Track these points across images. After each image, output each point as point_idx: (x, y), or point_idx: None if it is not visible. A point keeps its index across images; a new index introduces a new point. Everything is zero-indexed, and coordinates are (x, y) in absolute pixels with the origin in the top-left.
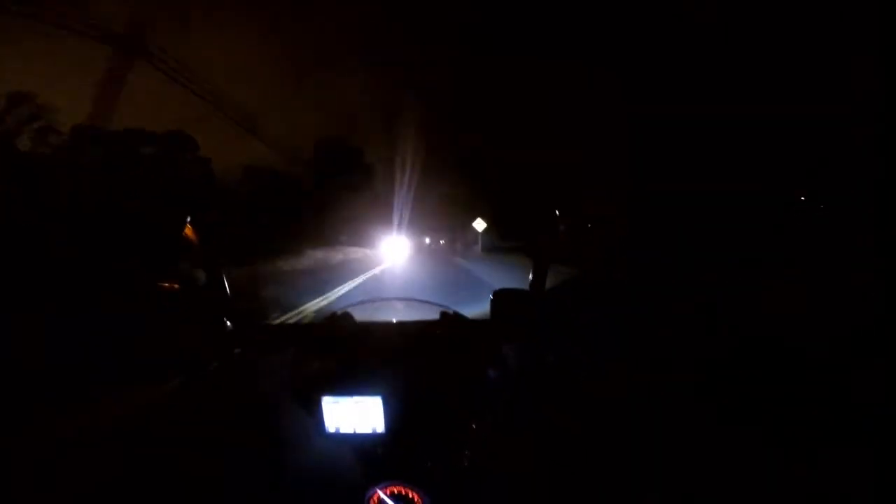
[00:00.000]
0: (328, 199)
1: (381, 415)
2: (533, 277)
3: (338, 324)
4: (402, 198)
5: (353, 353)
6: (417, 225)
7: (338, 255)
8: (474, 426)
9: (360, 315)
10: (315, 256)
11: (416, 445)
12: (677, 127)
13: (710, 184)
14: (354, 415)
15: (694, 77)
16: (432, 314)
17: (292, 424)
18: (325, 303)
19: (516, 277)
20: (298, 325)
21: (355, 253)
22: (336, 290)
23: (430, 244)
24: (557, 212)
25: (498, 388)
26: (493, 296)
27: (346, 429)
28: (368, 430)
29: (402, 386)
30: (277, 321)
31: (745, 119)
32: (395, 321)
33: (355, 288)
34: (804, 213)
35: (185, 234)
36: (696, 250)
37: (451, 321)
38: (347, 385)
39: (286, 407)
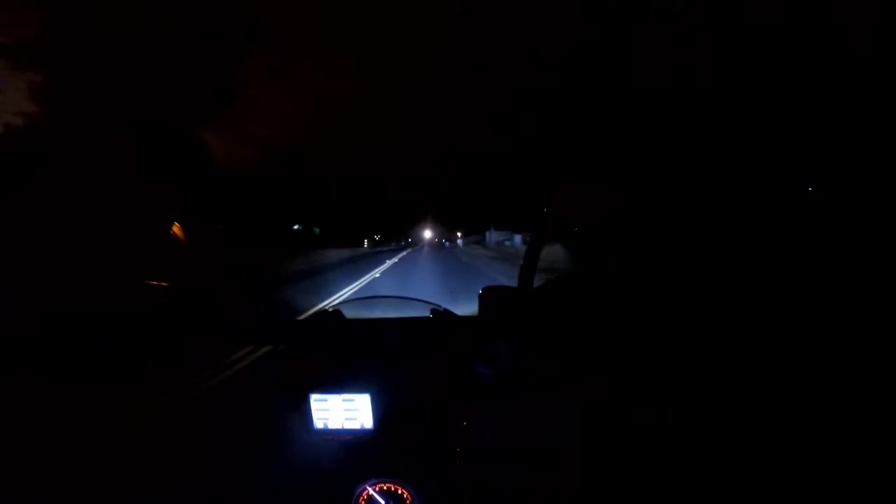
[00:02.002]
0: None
1: (370, 412)
2: (521, 274)
3: (327, 321)
4: None
5: (342, 350)
6: None
7: None
8: (465, 423)
9: (349, 312)
10: None
11: (406, 442)
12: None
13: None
14: (342, 412)
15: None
16: (422, 312)
17: (281, 421)
18: None
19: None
20: (287, 322)
21: None
22: None
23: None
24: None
25: (488, 385)
26: (481, 293)
27: (334, 425)
28: (357, 427)
29: (390, 383)
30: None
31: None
32: (384, 318)
33: None
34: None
35: (173, 233)
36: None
37: (440, 318)
38: (335, 382)
39: (275, 404)
